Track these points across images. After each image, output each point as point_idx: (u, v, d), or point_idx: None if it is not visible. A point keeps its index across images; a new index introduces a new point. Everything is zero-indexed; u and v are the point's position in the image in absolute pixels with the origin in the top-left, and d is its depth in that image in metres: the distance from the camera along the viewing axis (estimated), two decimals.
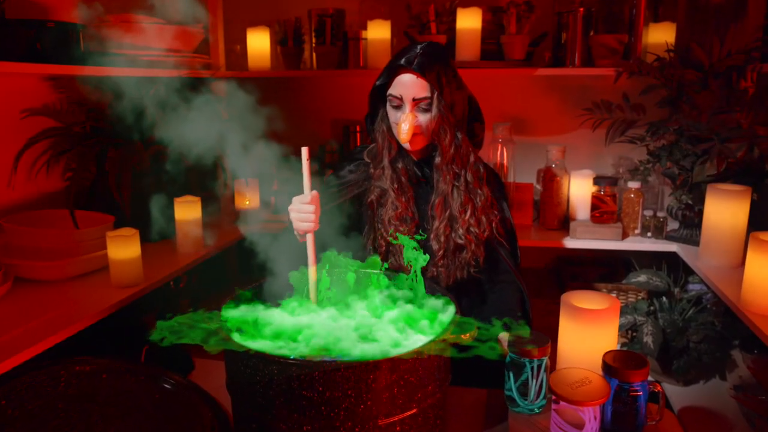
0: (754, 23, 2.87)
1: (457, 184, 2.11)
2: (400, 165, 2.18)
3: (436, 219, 2.13)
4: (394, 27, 3.39)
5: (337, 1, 3.58)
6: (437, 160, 2.12)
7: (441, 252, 2.11)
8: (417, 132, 2.06)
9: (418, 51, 2.01)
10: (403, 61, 2.01)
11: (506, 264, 2.18)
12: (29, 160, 2.58)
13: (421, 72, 1.98)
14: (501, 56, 3.30)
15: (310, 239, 1.75)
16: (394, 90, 2.05)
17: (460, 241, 2.11)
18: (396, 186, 2.15)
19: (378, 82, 2.10)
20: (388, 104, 2.11)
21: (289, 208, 1.81)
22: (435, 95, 2.01)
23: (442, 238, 2.11)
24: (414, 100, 2.02)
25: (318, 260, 1.77)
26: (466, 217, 2.11)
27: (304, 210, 1.77)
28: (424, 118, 2.05)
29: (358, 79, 3.70)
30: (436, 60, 2.02)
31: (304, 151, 1.67)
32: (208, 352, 1.33)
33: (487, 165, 2.26)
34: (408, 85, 2.02)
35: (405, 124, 2.02)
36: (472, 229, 2.11)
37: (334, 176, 2.27)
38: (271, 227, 1.95)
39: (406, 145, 2.09)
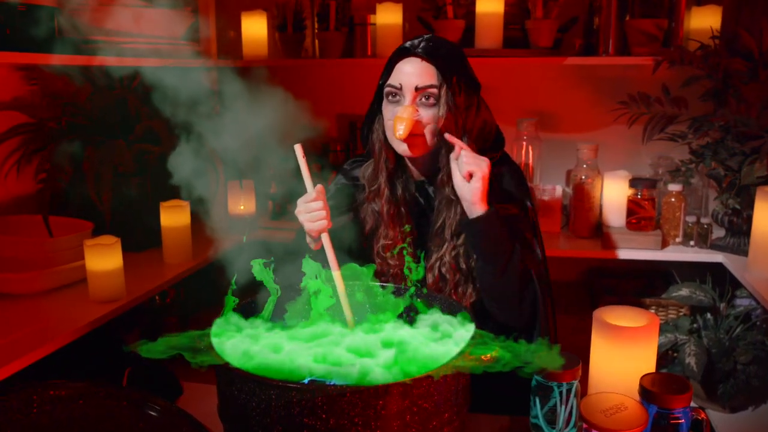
0: None
1: (456, 199, 1.97)
2: (399, 187, 2.08)
3: (434, 251, 2.04)
4: (406, 11, 3.39)
5: None
6: (439, 175, 2.01)
7: (435, 287, 2.02)
8: (417, 132, 1.91)
9: (425, 37, 1.94)
10: (407, 44, 1.94)
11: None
12: None
13: (427, 56, 1.90)
14: (526, 43, 3.30)
15: (326, 240, 1.72)
16: (392, 79, 1.95)
17: (445, 273, 2.01)
18: (392, 211, 2.05)
19: (381, 81, 2.00)
20: (384, 101, 2.00)
21: (296, 211, 1.80)
22: (443, 88, 1.91)
23: (437, 272, 2.03)
24: (417, 89, 1.90)
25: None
26: (457, 243, 2.00)
27: (311, 208, 1.75)
28: (427, 115, 1.92)
29: (365, 69, 3.70)
30: (446, 47, 1.95)
31: (298, 148, 1.67)
32: (197, 374, 1.33)
33: (513, 164, 2.15)
34: (410, 72, 1.91)
35: (401, 120, 1.88)
36: (460, 260, 2.01)
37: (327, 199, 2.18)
38: (269, 234, 1.94)
39: (404, 149, 1.95)
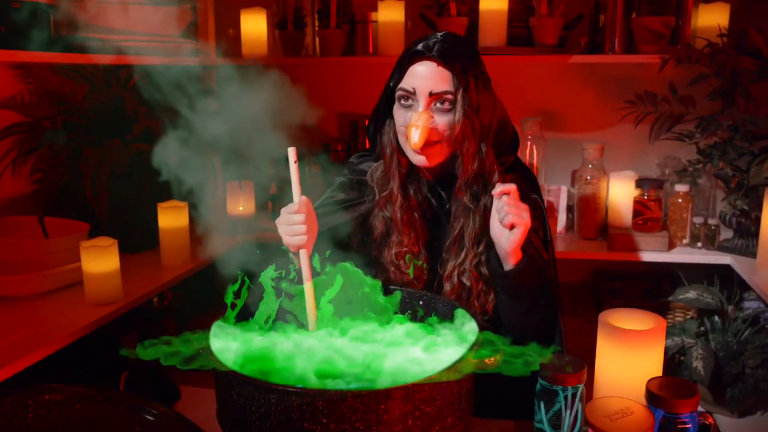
0: None
1: (474, 207, 1.95)
2: (411, 190, 2.03)
3: (451, 258, 1.99)
4: (408, 8, 3.39)
5: None
6: (456, 183, 1.95)
7: (454, 296, 1.96)
8: (433, 139, 1.87)
9: (439, 37, 1.87)
10: (420, 46, 1.86)
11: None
12: None
13: (442, 59, 1.83)
14: (530, 41, 3.30)
15: (302, 256, 1.68)
16: (405, 83, 1.89)
17: (465, 281, 1.96)
18: (405, 217, 2.00)
19: (390, 83, 1.94)
20: (396, 105, 1.94)
21: (276, 221, 1.74)
22: (459, 93, 1.85)
23: (456, 280, 1.98)
24: (431, 94, 1.85)
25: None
26: (478, 250, 1.96)
27: (292, 221, 1.70)
28: (443, 121, 1.87)
29: (367, 68, 3.70)
30: (461, 49, 1.89)
31: (291, 151, 1.63)
32: (195, 378, 1.33)
33: (526, 168, 2.13)
34: (424, 75, 1.85)
35: (417, 127, 1.82)
36: (482, 268, 1.96)
37: (330, 193, 2.15)
38: (268, 236, 1.93)
39: (418, 159, 1.91)
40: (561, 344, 1.98)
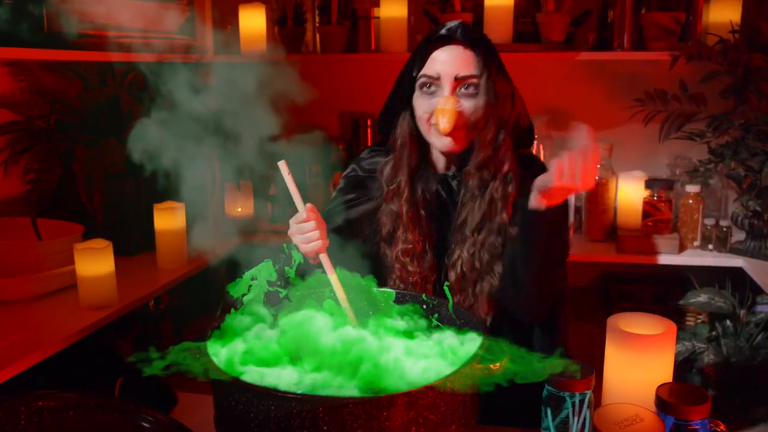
0: None
1: (480, 195, 1.97)
2: (419, 186, 2.04)
3: (457, 247, 2.01)
4: (411, 3, 3.39)
5: None
6: (466, 167, 1.98)
7: (457, 285, 1.98)
8: (460, 124, 1.89)
9: (457, 23, 1.90)
10: (443, 30, 1.89)
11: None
12: None
13: (468, 42, 1.88)
14: (537, 38, 3.29)
15: (324, 260, 1.71)
16: (428, 69, 1.92)
17: (465, 269, 1.97)
18: (411, 212, 2.02)
19: (413, 72, 1.95)
20: (417, 93, 1.97)
21: (289, 233, 1.78)
22: (484, 77, 1.89)
23: (459, 269, 1.98)
24: (456, 79, 1.88)
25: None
26: (478, 238, 1.96)
27: (304, 229, 1.73)
28: (468, 105, 1.90)
29: (369, 65, 3.70)
30: (483, 35, 1.94)
31: (282, 165, 1.66)
32: (192, 384, 1.33)
33: (539, 161, 2.15)
34: (448, 60, 1.88)
35: (444, 112, 1.84)
36: (483, 255, 1.96)
37: (338, 192, 2.16)
38: (267, 238, 1.93)
39: (445, 142, 1.93)
40: (564, 341, 1.99)
